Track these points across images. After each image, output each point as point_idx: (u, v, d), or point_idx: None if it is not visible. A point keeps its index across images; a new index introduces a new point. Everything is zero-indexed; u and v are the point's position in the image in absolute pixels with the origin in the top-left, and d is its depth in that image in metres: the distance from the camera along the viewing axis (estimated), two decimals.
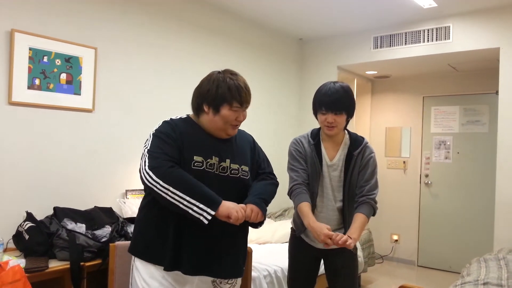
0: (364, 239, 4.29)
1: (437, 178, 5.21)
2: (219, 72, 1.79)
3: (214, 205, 1.59)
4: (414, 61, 4.46)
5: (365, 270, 4.19)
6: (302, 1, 3.75)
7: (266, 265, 2.95)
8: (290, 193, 2.19)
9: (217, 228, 1.65)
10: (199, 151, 1.70)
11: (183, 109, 3.60)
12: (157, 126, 1.75)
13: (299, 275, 2.30)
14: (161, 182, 1.58)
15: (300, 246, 2.27)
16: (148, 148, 1.67)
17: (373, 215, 2.09)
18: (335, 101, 2.04)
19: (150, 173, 1.60)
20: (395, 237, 5.44)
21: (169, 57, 3.49)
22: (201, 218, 1.57)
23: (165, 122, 1.77)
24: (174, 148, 1.66)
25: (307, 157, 2.20)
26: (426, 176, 5.25)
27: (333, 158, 2.16)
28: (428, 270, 5.14)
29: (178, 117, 1.85)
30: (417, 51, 4.22)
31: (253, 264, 2.86)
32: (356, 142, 2.17)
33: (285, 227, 3.73)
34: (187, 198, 1.57)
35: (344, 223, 2.14)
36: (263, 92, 4.52)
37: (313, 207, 2.14)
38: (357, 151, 2.13)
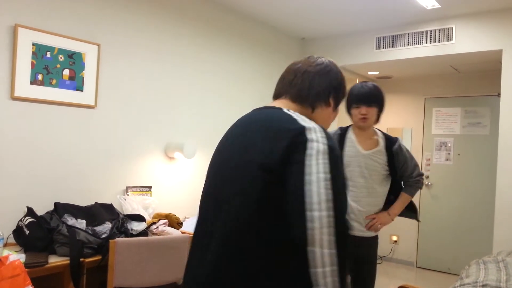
0: None
1: (437, 179, 5.21)
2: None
3: None
4: (416, 62, 4.45)
5: None
6: (305, 0, 3.75)
7: None
8: None
9: None
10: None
11: (185, 105, 3.62)
12: (325, 139, 1.10)
13: None
14: None
15: None
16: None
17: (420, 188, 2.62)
18: (367, 95, 2.38)
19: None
20: (395, 238, 5.45)
21: (170, 54, 3.49)
22: None
23: (325, 132, 1.14)
24: None
25: None
26: (427, 177, 5.25)
27: (369, 149, 2.45)
28: (427, 272, 5.15)
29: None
30: (419, 52, 4.22)
31: None
32: (391, 139, 2.51)
33: None
34: None
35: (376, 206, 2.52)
36: (265, 91, 4.52)
37: None
38: (395, 147, 2.48)
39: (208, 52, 3.83)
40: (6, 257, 1.89)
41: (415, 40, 4.24)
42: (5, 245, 2.36)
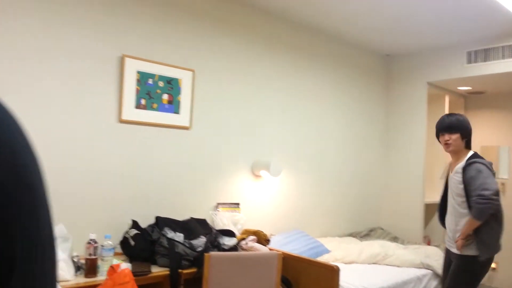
0: None
1: None
2: None
3: None
4: None
5: None
6: (390, 17, 3.72)
7: (354, 285, 2.92)
8: None
9: None
10: None
11: (270, 126, 3.73)
12: None
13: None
14: None
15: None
16: None
17: (488, 212, 2.53)
18: (449, 124, 2.75)
19: None
20: (493, 265, 5.04)
21: (256, 77, 3.64)
22: None
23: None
24: None
25: None
26: None
27: (452, 171, 2.77)
28: None
29: None
30: None
31: (340, 283, 2.84)
32: (470, 158, 2.69)
33: (371, 247, 3.65)
34: None
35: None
36: (349, 110, 4.51)
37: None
38: (465, 164, 2.66)
39: (292, 72, 3.93)
40: (118, 265, 2.09)
41: (511, 53, 3.99)
42: (114, 254, 2.59)
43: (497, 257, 4.99)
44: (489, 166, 2.63)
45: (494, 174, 2.64)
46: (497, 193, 2.52)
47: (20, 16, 2.41)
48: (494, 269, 5.04)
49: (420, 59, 4.71)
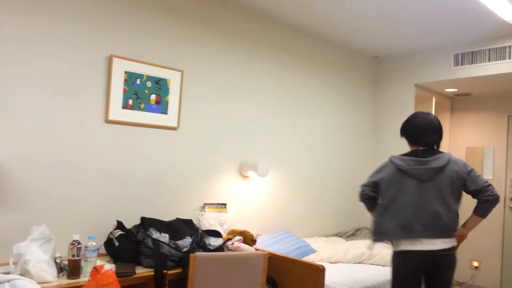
0: None
1: None
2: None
3: None
4: (498, 78, 4.24)
5: None
6: (379, 19, 3.75)
7: (339, 284, 2.95)
8: None
9: None
10: None
11: (259, 127, 3.74)
12: None
13: None
14: None
15: None
16: None
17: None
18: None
19: None
20: (475, 264, 5.13)
21: (245, 78, 3.65)
22: None
23: None
24: None
25: None
26: (511, 199, 4.91)
27: None
28: None
29: None
30: (502, 68, 4.02)
31: (326, 282, 2.87)
32: None
33: (357, 247, 3.69)
34: None
35: None
36: (336, 111, 4.54)
37: None
38: None
39: (280, 74, 3.94)
40: (102, 266, 2.09)
41: (497, 56, 4.05)
42: (97, 255, 2.59)
43: (478, 256, 5.09)
44: (391, 161, 2.54)
45: (391, 167, 2.53)
46: (366, 184, 2.58)
47: (5, 14, 2.38)
48: (477, 267, 5.12)
49: (408, 61, 4.75)
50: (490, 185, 2.42)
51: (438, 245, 2.39)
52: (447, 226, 2.41)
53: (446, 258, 2.42)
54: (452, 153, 5.44)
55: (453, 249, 2.45)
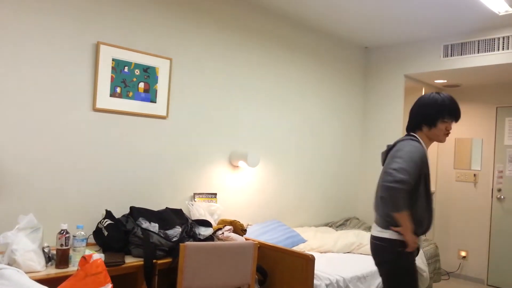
0: (430, 253, 4.15)
1: (510, 193, 4.92)
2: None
3: None
4: (487, 70, 4.26)
5: (430, 286, 4.05)
6: (369, 10, 3.74)
7: (328, 274, 2.96)
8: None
9: None
10: None
11: (250, 116, 3.72)
12: None
13: None
14: None
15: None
16: None
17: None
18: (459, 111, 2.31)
19: None
20: (463, 254, 5.19)
21: (235, 67, 3.62)
22: None
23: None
24: None
25: (425, 162, 2.28)
26: (499, 190, 4.97)
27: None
28: None
29: None
30: (491, 59, 4.04)
31: (315, 272, 2.88)
32: None
33: (346, 237, 3.71)
34: None
35: None
36: (327, 100, 4.53)
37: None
38: None
39: (271, 63, 3.92)
40: (90, 256, 2.06)
41: (486, 48, 4.07)
42: (86, 245, 2.56)
43: (466, 246, 5.15)
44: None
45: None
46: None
47: None
48: (464, 257, 5.18)
49: (398, 52, 4.76)
50: (395, 169, 2.09)
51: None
52: None
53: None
54: (440, 144, 5.49)
55: None
